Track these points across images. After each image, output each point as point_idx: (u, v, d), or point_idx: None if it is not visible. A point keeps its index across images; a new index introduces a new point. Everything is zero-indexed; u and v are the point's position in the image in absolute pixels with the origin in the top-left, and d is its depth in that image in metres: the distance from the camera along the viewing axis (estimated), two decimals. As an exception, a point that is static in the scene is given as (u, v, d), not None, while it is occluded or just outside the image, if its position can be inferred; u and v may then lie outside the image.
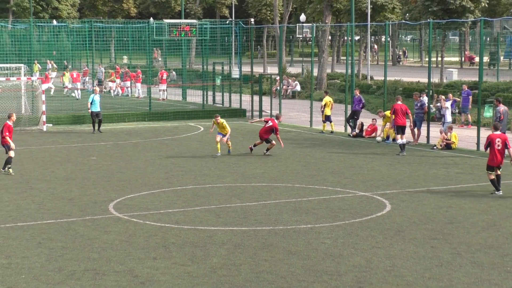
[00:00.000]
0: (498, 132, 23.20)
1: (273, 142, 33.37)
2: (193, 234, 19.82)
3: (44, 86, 44.45)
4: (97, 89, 45.97)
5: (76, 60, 74.40)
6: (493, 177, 23.70)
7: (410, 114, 35.77)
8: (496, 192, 23.90)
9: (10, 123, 27.54)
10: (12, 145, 27.50)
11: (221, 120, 31.34)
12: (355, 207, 23.22)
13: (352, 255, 18.00)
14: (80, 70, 67.40)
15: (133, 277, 16.32)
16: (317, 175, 28.22)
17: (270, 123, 33.59)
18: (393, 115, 34.96)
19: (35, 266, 17.17)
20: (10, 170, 27.37)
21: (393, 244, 18.95)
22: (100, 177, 28.24)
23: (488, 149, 23.90)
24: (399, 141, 34.18)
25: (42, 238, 19.65)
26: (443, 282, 16.05)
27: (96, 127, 42.41)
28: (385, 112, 37.53)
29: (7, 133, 27.12)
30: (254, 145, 34.15)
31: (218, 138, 30.81)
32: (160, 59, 78.09)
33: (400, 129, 34.50)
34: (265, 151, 33.48)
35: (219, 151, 30.33)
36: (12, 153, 27.50)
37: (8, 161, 27.48)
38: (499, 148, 23.63)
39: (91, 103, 42.29)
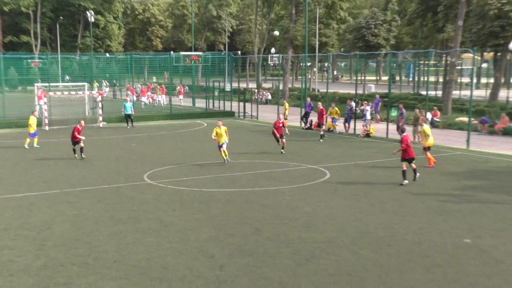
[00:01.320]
0: (404, 134, 21.75)
1: (283, 140, 29.12)
2: (199, 194, 20.27)
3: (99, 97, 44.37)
4: (128, 99, 47.20)
5: (121, 79, 74.14)
6: (405, 168, 21.49)
7: (324, 115, 36.56)
8: (403, 183, 21.35)
9: (79, 127, 27.08)
10: (83, 138, 27.33)
11: (223, 127, 25.94)
12: (306, 175, 23.66)
13: (304, 206, 18.61)
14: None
15: (160, 222, 16.83)
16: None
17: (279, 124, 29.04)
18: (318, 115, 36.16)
19: (96, 215, 17.68)
20: (83, 155, 27.36)
21: (331, 199, 19.46)
22: (138, 157, 28.47)
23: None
24: (321, 132, 34.99)
25: (100, 197, 20.05)
26: (362, 222, 16.72)
27: (130, 124, 42.54)
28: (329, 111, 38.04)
29: (75, 133, 26.90)
30: (280, 143, 29.35)
31: (221, 151, 25.87)
32: (167, 79, 77.70)
33: (319, 125, 35.70)
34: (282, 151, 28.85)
35: (226, 157, 25.89)
36: (82, 144, 27.35)
37: (82, 150, 27.29)
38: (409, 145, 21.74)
39: (124, 108, 42.56)
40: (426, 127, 25.81)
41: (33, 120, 30.94)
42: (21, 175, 24.11)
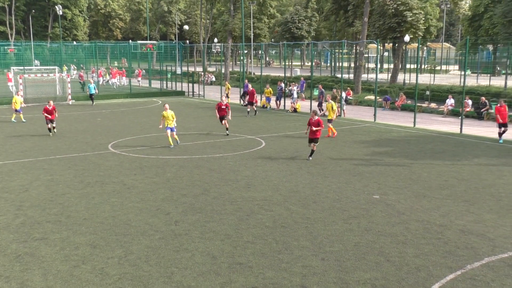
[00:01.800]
0: (316, 117, 19.42)
1: (225, 121, 25.69)
2: (156, 161, 19.98)
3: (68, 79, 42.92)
4: (92, 80, 45.33)
5: (87, 64, 72.04)
6: (308, 145, 20.08)
7: (255, 96, 35.11)
8: (309, 158, 19.80)
9: (48, 106, 25.37)
10: (50, 117, 25.55)
11: (169, 111, 22.39)
12: (245, 144, 23.63)
13: (244, 170, 18.54)
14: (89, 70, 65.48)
15: (123, 185, 16.48)
16: (224, 127, 28.10)
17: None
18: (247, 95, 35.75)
19: (67, 179, 17.19)
20: (54, 131, 25.91)
21: (266, 164, 19.45)
22: (103, 130, 27.77)
23: (309, 127, 19.61)
24: (255, 108, 34.54)
25: (71, 164, 19.52)
26: (292, 183, 16.76)
27: (92, 103, 40.98)
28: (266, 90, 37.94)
29: (43, 113, 25.39)
30: (223, 124, 25.85)
31: (168, 132, 22.28)
32: (126, 64, 75.97)
33: (250, 103, 34.75)
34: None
35: (172, 144, 22.35)
36: (55, 124, 25.92)
37: (53, 128, 25.88)
38: (314, 129, 19.38)
39: (88, 89, 41.53)
40: (333, 103, 25.59)
41: (17, 99, 31.05)
42: (0, 145, 23.12)
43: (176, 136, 22.68)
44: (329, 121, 25.09)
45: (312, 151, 19.82)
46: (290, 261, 10.47)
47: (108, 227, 12.46)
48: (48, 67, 48.92)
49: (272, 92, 37.83)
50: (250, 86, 35.97)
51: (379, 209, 13.77)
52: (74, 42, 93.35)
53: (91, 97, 40.96)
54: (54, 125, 25.59)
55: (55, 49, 75.21)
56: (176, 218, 13.08)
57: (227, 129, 25.92)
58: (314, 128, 19.35)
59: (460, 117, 28.53)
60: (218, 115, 25.89)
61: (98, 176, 17.46)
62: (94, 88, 41.57)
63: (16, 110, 30.91)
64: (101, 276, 9.80)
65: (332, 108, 25.16)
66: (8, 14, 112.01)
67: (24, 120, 30.81)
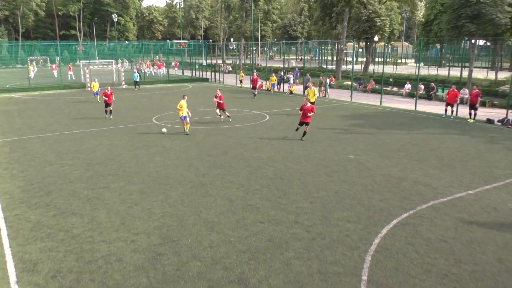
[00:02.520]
0: (309, 104, 17.34)
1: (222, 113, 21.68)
2: (189, 130, 19.58)
3: (122, 69, 42.59)
4: (136, 70, 43.45)
5: (136, 58, 71.45)
6: (298, 127, 17.88)
7: (259, 81, 33.78)
8: (302, 138, 17.50)
9: (107, 91, 22.68)
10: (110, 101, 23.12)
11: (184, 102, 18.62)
12: (254, 117, 23.48)
13: (254, 136, 18.57)
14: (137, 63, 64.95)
15: (163, 148, 16.51)
16: (239, 105, 28.10)
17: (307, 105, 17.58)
18: (252, 82, 33.24)
19: (122, 144, 17.10)
20: (111, 116, 23.10)
21: (270, 132, 19.36)
22: (148, 107, 27.70)
23: (301, 112, 17.23)
24: (255, 92, 32.47)
25: (125, 132, 19.55)
26: (289, 146, 16.76)
27: (138, 87, 40.06)
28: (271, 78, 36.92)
29: (103, 96, 22.85)
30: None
31: (184, 123, 18.71)
32: (162, 58, 75.14)
33: (253, 88, 32.70)
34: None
35: (187, 130, 18.71)
36: (111, 107, 23.14)
37: (111, 112, 23.07)
38: (308, 114, 17.09)
39: (134, 77, 40.45)
40: (315, 89, 24.13)
41: (94, 85, 30.29)
42: (73, 119, 23.14)
43: (189, 124, 19.04)
44: (312, 103, 21.93)
45: (305, 133, 17.58)
46: (287, 203, 10.52)
47: (153, 178, 12.54)
48: (107, 61, 48.59)
49: (276, 80, 37.06)
50: (255, 74, 35.18)
51: (353, 166, 13.74)
52: (126, 42, 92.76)
53: (136, 83, 40.22)
54: (111, 108, 22.91)
55: (112, 47, 74.77)
56: (203, 172, 13.12)
57: (228, 116, 21.99)
58: (309, 114, 17.08)
59: (414, 98, 28.18)
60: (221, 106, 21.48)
61: (145, 141, 17.47)
62: (138, 76, 40.70)
63: (94, 93, 30.22)
64: (148, 214, 9.92)
65: (315, 93, 23.32)
66: (78, 21, 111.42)
67: (98, 101, 29.80)
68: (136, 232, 8.95)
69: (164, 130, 18.15)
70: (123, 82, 42.11)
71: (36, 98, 33.15)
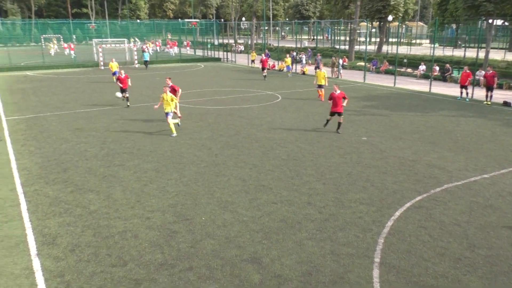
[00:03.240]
0: (339, 91, 15.05)
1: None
2: (200, 109, 20.03)
3: (134, 48, 42.37)
4: (146, 50, 41.98)
5: (148, 37, 71.14)
6: (329, 118, 15.63)
7: (267, 61, 32.01)
8: (338, 131, 15.42)
9: (121, 75, 20.23)
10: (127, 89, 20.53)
11: (169, 94, 14.74)
12: (266, 98, 23.33)
13: (266, 117, 18.46)
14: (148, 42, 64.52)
15: (176, 127, 16.32)
16: (251, 85, 27.88)
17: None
18: (262, 62, 31.93)
19: (136, 122, 17.04)
20: (128, 103, 20.60)
21: (282, 112, 19.34)
22: (160, 86, 27.63)
23: (331, 101, 15.24)
24: (265, 73, 31.14)
25: (138, 111, 19.50)
26: (301, 127, 16.59)
27: (146, 67, 39.62)
28: (285, 60, 36.16)
29: (119, 82, 20.28)
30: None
31: (169, 119, 14.86)
32: (170, 37, 74.37)
33: (263, 69, 31.17)
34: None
35: (174, 132, 14.93)
36: (127, 94, 20.41)
37: (128, 99, 20.29)
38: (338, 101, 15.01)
39: (143, 56, 39.83)
40: (324, 71, 22.55)
41: (112, 65, 28.32)
42: (87, 97, 23.27)
43: (172, 123, 15.13)
44: (320, 86, 22.23)
45: (339, 124, 15.35)
46: (299, 184, 10.52)
47: (167, 157, 12.61)
48: (119, 39, 48.45)
49: (290, 61, 34.47)
50: (264, 55, 34.27)
51: (366, 148, 13.64)
52: (138, 20, 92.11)
53: (145, 63, 39.13)
54: (127, 94, 20.16)
55: (124, 26, 74.44)
56: (216, 152, 13.15)
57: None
58: (344, 103, 15.09)
59: (429, 79, 27.69)
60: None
61: (158, 120, 17.49)
62: (148, 55, 40.25)
63: (112, 73, 28.46)
64: (163, 192, 10.01)
65: (324, 76, 21.85)
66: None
67: (114, 80, 29.02)
68: (151, 209, 9.06)
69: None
70: (136, 61, 42.05)
71: (51, 76, 33.34)
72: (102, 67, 38.89)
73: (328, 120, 15.81)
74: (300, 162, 12.14)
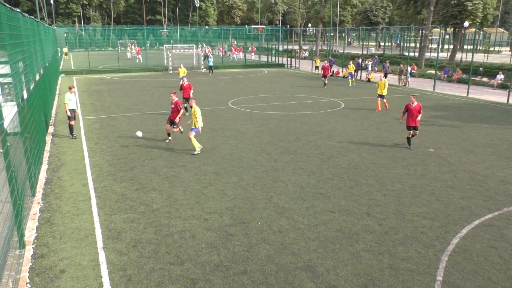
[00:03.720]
0: (416, 102, 13.71)
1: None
2: (262, 114, 20.07)
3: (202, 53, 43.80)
4: (210, 56, 41.74)
5: (215, 43, 73.21)
6: (409, 134, 14.15)
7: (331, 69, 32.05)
8: (410, 147, 14.10)
9: (183, 83, 19.43)
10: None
11: (194, 106, 13.40)
12: (329, 105, 23.01)
13: (327, 124, 18.20)
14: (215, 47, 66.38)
15: (238, 131, 16.77)
16: (313, 92, 27.65)
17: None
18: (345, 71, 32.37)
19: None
20: (187, 112, 19.58)
21: (344, 120, 18.98)
22: (224, 91, 28.32)
23: (406, 113, 14.03)
24: (326, 81, 30.14)
25: (202, 115, 19.76)
26: (364, 135, 16.27)
27: (211, 72, 39.64)
28: (348, 67, 35.62)
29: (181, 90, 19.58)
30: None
31: (191, 134, 13.35)
32: (235, 43, 75.58)
33: (324, 76, 30.22)
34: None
35: (197, 149, 13.48)
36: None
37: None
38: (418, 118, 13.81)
39: (208, 62, 39.75)
40: (386, 81, 20.96)
41: (180, 70, 26.74)
42: (155, 100, 24.43)
43: (194, 141, 13.55)
44: (382, 96, 20.95)
45: (410, 138, 14.12)
46: (359, 194, 10.25)
47: (227, 160, 12.87)
48: (188, 45, 50.39)
49: (354, 68, 32.87)
50: (326, 62, 32.42)
51: (432, 160, 12.98)
52: (206, 27, 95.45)
53: (210, 68, 39.42)
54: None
55: (193, 32, 77.40)
56: (275, 157, 13.20)
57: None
58: (418, 118, 13.82)
59: (507, 90, 25.75)
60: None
61: (221, 124, 17.95)
62: (212, 60, 40.39)
63: (180, 79, 24.65)
64: (221, 195, 10.23)
65: (385, 85, 20.51)
66: (163, 6, 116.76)
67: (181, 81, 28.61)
68: (209, 211, 9.29)
69: (139, 134, 14.38)
70: (202, 66, 43.46)
71: (124, 79, 35.46)
72: (171, 72, 40.66)
73: (409, 138, 14.19)
74: (361, 172, 11.83)
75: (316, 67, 41.35)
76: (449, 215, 9.11)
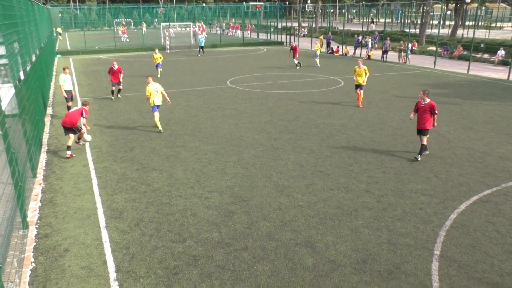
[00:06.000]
0: (428, 100, 10.73)
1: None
2: (261, 93, 20.04)
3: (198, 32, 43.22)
4: (201, 35, 40.03)
5: (212, 20, 72.33)
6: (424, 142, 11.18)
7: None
8: (418, 157, 11.13)
9: (113, 66, 18.05)
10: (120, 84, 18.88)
11: (154, 85, 13.30)
12: (328, 83, 22.95)
13: (326, 103, 18.23)
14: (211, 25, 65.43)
15: (237, 110, 16.74)
16: (313, 70, 27.54)
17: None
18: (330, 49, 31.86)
19: (198, 105, 17.82)
20: (119, 95, 19.03)
21: (344, 98, 19.02)
22: (223, 69, 28.11)
23: (415, 113, 11.21)
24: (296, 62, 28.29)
25: (200, 94, 20.13)
26: (363, 113, 16.21)
27: (202, 53, 36.92)
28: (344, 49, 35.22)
29: (110, 75, 18.17)
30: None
31: (156, 116, 13.59)
32: (233, 21, 74.55)
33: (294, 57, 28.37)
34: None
35: (160, 128, 13.75)
36: (121, 86, 18.76)
37: (119, 91, 18.50)
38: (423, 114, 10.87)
39: (199, 41, 37.71)
40: (366, 69, 16.65)
41: (155, 56, 24.21)
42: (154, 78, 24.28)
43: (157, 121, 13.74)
44: (360, 86, 16.88)
45: (422, 146, 11.18)
46: (358, 172, 10.36)
47: (227, 140, 12.94)
48: (185, 23, 49.75)
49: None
50: (293, 43, 29.56)
51: (432, 137, 13.03)
52: (204, 4, 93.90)
53: (201, 48, 37.15)
54: (120, 87, 18.40)
55: (190, 10, 76.32)
56: (275, 136, 13.27)
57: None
58: (434, 123, 10.99)
59: (508, 66, 25.63)
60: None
61: (220, 103, 17.95)
62: (203, 41, 38.42)
63: (155, 66, 24.95)
64: (222, 174, 10.34)
65: (366, 73, 16.35)
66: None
67: (158, 77, 24.27)
68: (209, 190, 9.41)
69: (87, 137, 12.18)
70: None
71: (121, 59, 35.17)
72: (168, 51, 40.32)
73: (424, 147, 11.20)
74: (360, 149, 11.91)
75: (321, 45, 40.89)
76: (448, 191, 9.23)
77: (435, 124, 11.03)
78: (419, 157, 11.14)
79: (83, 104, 12.18)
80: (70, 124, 11.51)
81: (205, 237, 7.53)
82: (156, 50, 24.35)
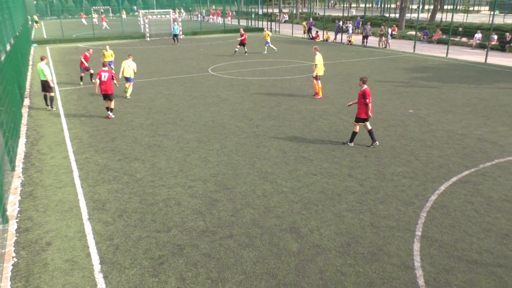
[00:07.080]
0: (365, 86, 10.25)
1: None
2: (242, 80, 19.86)
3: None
4: (176, 22, 38.29)
5: (192, 7, 71.26)
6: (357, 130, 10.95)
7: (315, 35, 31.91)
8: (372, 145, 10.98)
9: (87, 54, 18.87)
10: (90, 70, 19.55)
11: (129, 62, 16.18)
12: (309, 69, 22.88)
13: (308, 89, 18.32)
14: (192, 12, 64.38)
15: (219, 98, 16.59)
16: (294, 56, 27.48)
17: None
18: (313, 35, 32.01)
19: (180, 93, 17.65)
20: (93, 79, 19.54)
21: (326, 84, 18.98)
22: (204, 57, 27.81)
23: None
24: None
25: (182, 82, 19.89)
26: (345, 98, 16.41)
27: (177, 42, 35.78)
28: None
29: (83, 61, 18.72)
30: None
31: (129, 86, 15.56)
32: (213, 7, 73.68)
33: (241, 44, 27.75)
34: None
35: (128, 95, 16.19)
36: (92, 70, 19.53)
37: (91, 76, 19.36)
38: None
39: (173, 29, 35.69)
40: (320, 56, 16.04)
41: (105, 53, 19.93)
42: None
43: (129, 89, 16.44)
44: (317, 77, 16.10)
45: (353, 133, 10.89)
46: (341, 156, 10.43)
47: (209, 128, 12.85)
48: (165, 10, 48.86)
49: (269, 35, 29.23)
50: (241, 30, 28.50)
51: (412, 121, 13.21)
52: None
53: (175, 36, 35.79)
54: (91, 71, 19.36)
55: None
56: (257, 123, 13.23)
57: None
58: (369, 111, 10.49)
59: (486, 49, 26.05)
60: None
61: (201, 91, 17.79)
62: (178, 29, 37.73)
63: (109, 63, 19.87)
64: (205, 162, 10.28)
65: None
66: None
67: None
68: (193, 178, 9.35)
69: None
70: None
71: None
72: (148, 39, 39.62)
73: (354, 132, 10.81)
74: (342, 134, 11.98)
75: (304, 32, 40.75)
76: (428, 173, 9.39)
77: (370, 113, 10.38)
78: (349, 143, 11.02)
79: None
80: (111, 91, 13.76)
81: (189, 226, 7.50)
82: (107, 47, 19.84)
